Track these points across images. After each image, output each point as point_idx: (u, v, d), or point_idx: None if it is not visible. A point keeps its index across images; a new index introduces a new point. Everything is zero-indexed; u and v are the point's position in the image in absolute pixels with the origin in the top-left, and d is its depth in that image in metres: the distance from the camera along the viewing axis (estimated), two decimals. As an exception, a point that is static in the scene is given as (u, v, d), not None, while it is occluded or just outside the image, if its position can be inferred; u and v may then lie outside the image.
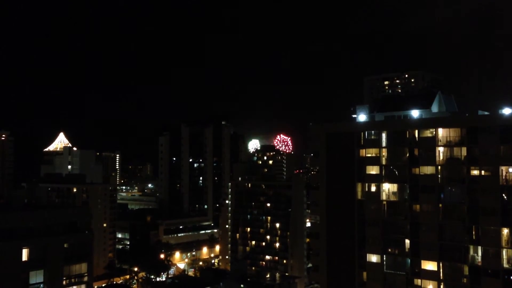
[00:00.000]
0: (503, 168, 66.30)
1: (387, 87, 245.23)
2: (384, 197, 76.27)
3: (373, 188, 77.11)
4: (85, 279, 69.38)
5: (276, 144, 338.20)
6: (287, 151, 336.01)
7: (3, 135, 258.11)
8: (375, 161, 76.93)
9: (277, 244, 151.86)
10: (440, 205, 70.88)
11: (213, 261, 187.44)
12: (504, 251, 65.85)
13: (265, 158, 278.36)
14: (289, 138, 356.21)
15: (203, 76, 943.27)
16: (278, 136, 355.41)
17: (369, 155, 77.94)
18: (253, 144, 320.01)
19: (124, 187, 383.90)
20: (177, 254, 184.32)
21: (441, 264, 70.40)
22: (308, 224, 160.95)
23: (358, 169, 78.15)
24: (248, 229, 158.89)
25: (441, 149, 71.48)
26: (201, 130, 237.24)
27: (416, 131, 73.95)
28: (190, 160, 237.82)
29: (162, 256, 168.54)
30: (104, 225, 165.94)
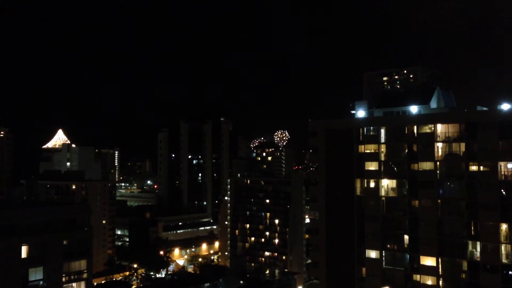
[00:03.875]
0: (502, 163, 66.32)
1: (386, 83, 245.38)
2: (383, 193, 76.33)
3: (372, 184, 77.15)
4: (85, 275, 69.29)
5: (275, 140, 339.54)
6: (283, 143, 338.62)
7: (2, 132, 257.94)
8: (374, 157, 76.94)
9: (276, 240, 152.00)
10: (439, 200, 70.93)
11: (212, 257, 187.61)
12: (502, 247, 65.92)
13: (264, 154, 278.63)
14: (286, 131, 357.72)
15: (203, 74, 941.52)
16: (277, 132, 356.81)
17: (368, 151, 77.94)
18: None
19: (123, 184, 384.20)
20: (177, 251, 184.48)
21: (440, 260, 70.49)
22: (307, 220, 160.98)
23: (357, 165, 78.17)
24: (247, 225, 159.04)
25: (439, 144, 71.48)
26: (200, 126, 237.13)
27: (415, 127, 73.91)
28: (189, 156, 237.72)
29: (161, 252, 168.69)
30: (103, 222, 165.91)
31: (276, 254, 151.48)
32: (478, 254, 67.73)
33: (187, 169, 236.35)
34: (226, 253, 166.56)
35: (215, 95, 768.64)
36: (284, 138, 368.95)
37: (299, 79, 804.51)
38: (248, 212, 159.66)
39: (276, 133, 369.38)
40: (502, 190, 66.31)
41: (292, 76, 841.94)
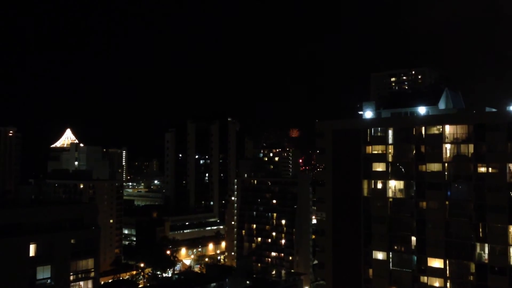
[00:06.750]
0: (511, 165, 65.89)
1: (393, 84, 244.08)
2: (390, 194, 76.04)
3: (379, 185, 76.89)
4: (92, 274, 69.70)
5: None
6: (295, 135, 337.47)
7: (11, 132, 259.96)
8: (381, 158, 76.66)
9: (283, 241, 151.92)
10: (447, 202, 70.60)
11: (219, 257, 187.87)
12: (511, 249, 65.48)
13: (271, 154, 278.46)
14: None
15: (207, 73, 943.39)
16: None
17: (376, 152, 77.67)
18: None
19: (130, 183, 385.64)
20: (183, 250, 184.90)
21: (447, 262, 70.14)
22: (314, 221, 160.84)
23: (364, 166, 77.92)
24: (254, 225, 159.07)
25: (448, 146, 71.13)
26: (207, 127, 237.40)
27: (423, 128, 73.58)
28: (196, 156, 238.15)
29: (168, 252, 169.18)
30: (111, 221, 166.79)
31: (282, 254, 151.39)
32: (486, 256, 67.34)
33: (194, 169, 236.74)
34: (233, 253, 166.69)
35: (222, 95, 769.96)
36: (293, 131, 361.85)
37: (303, 79, 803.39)
38: (254, 213, 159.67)
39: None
40: (511, 192, 65.85)
41: (295, 76, 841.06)
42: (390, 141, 76.47)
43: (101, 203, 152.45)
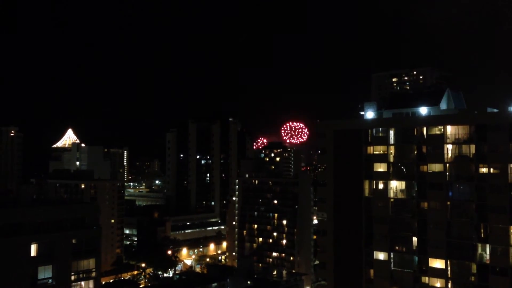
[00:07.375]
0: (512, 165, 65.84)
1: (395, 84, 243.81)
2: (391, 194, 76.05)
3: (381, 186, 76.93)
4: (93, 274, 69.65)
5: (284, 134, 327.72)
6: (300, 141, 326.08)
7: (12, 131, 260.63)
8: (382, 158, 76.67)
9: (284, 241, 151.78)
10: (448, 202, 70.61)
11: (220, 257, 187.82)
12: (512, 249, 65.47)
13: (272, 154, 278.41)
14: (305, 127, 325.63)
15: (208, 73, 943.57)
16: (288, 123, 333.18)
17: (377, 152, 77.69)
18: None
19: (131, 184, 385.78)
20: (184, 250, 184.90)
21: (448, 262, 70.16)
22: (315, 221, 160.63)
23: (366, 166, 77.94)
24: (255, 225, 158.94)
25: (449, 146, 71.11)
26: (208, 127, 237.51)
27: (424, 128, 73.58)
28: (198, 156, 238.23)
29: (169, 252, 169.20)
30: (112, 221, 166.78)
31: (283, 254, 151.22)
32: (487, 256, 67.34)
33: (195, 169, 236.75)
34: (234, 253, 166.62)
35: (223, 95, 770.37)
36: (300, 132, 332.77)
37: (305, 79, 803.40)
38: (255, 213, 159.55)
39: (285, 127, 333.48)
40: (512, 193, 65.78)
41: (297, 75, 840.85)
42: (392, 141, 76.50)
43: (103, 203, 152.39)
